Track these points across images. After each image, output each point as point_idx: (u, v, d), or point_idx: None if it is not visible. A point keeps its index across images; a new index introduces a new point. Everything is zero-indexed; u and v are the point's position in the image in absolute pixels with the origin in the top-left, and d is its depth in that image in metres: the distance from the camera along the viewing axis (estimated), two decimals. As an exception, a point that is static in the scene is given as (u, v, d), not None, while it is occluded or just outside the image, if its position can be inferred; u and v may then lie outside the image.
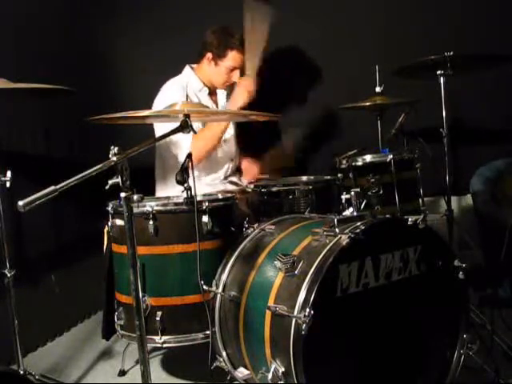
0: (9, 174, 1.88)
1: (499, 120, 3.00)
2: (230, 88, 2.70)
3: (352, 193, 1.70)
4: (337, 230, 1.54)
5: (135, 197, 1.36)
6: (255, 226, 1.88)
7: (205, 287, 1.78)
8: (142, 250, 1.79)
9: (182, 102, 1.61)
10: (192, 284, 1.82)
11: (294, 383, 1.40)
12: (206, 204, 1.86)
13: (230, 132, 2.77)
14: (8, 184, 1.87)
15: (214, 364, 1.78)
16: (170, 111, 1.62)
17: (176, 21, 3.19)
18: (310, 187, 2.11)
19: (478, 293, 2.40)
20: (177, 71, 2.73)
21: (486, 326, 2.09)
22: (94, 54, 3.04)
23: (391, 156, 2.27)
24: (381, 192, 2.25)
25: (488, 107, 3.01)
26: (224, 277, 1.75)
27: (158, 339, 1.84)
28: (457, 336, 1.71)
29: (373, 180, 2.26)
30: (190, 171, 1.74)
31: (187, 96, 2.58)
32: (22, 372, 1.90)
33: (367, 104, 2.57)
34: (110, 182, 1.33)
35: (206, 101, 2.65)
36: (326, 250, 1.49)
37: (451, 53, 2.00)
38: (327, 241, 1.53)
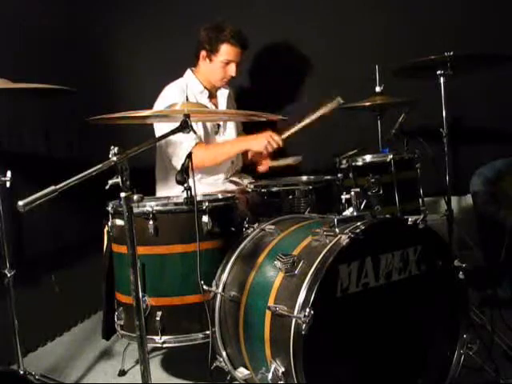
0: (9, 174, 1.87)
1: (499, 120, 3.00)
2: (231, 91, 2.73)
3: (352, 193, 1.70)
4: (337, 230, 1.54)
5: (135, 197, 1.35)
6: (255, 226, 1.88)
7: (205, 287, 1.78)
8: (141, 250, 1.79)
9: (182, 102, 1.61)
10: (192, 284, 1.82)
11: (293, 383, 1.40)
12: (206, 204, 1.86)
13: (231, 133, 2.76)
14: (8, 184, 1.87)
15: (214, 364, 1.78)
16: (170, 111, 1.62)
17: (179, 21, 3.20)
18: (310, 187, 2.11)
19: (478, 293, 2.40)
20: (179, 71, 2.73)
21: (486, 326, 2.09)
22: (94, 54, 3.04)
23: (391, 156, 2.27)
24: (381, 192, 2.25)
25: (488, 107, 3.01)
26: (224, 277, 1.75)
27: (158, 339, 1.84)
28: (457, 336, 1.71)
29: (373, 180, 2.26)
30: (190, 171, 1.74)
31: (187, 98, 2.58)
32: (21, 372, 1.89)
33: (367, 104, 2.57)
34: (110, 182, 1.33)
35: (206, 103, 2.65)
36: (325, 250, 1.49)
37: (451, 53, 2.00)
38: (327, 241, 1.53)
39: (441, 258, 1.68)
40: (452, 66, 2.10)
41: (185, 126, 1.52)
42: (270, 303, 1.52)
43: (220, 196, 2.08)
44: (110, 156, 1.32)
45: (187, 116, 1.53)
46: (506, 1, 3.01)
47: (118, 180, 1.33)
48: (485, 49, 2.06)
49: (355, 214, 1.67)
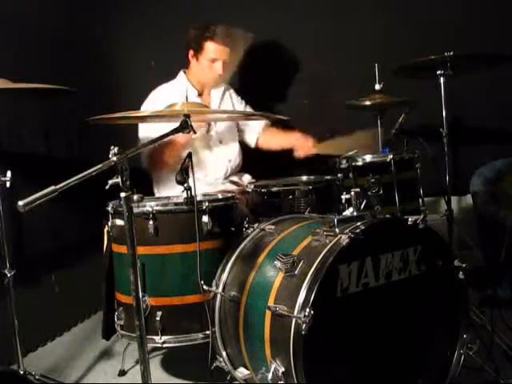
0: (9, 174, 1.87)
1: (499, 120, 3.00)
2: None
3: (352, 193, 1.70)
4: (337, 230, 1.54)
5: (135, 197, 1.36)
6: (255, 226, 1.87)
7: (205, 287, 1.78)
8: (141, 250, 1.79)
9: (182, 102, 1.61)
10: (192, 284, 1.82)
11: (293, 383, 1.40)
12: (206, 204, 1.86)
13: (225, 133, 2.73)
14: (8, 184, 1.87)
15: (214, 364, 1.78)
16: (170, 111, 1.62)
17: (179, 21, 3.19)
18: (310, 187, 2.11)
19: (478, 293, 2.40)
20: (179, 71, 2.73)
21: (486, 326, 2.09)
22: (93, 53, 3.04)
23: (391, 156, 2.27)
24: (381, 192, 2.25)
25: (488, 107, 3.01)
26: (224, 277, 1.75)
27: (158, 339, 1.84)
28: (457, 336, 1.71)
29: (373, 180, 2.26)
30: (190, 171, 1.74)
31: None
32: (21, 372, 1.89)
33: (367, 103, 2.57)
34: (110, 181, 1.33)
35: None
36: (325, 250, 1.49)
37: (451, 53, 2.00)
38: (327, 241, 1.53)
39: (441, 258, 1.68)
40: (452, 66, 2.10)
41: (185, 126, 1.52)
42: (270, 303, 1.52)
43: (220, 196, 2.08)
44: (110, 156, 1.32)
45: (187, 116, 1.53)
46: (506, 1, 3.01)
47: (118, 180, 1.33)
48: (485, 49, 2.06)
49: (355, 213, 1.67)
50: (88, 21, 2.99)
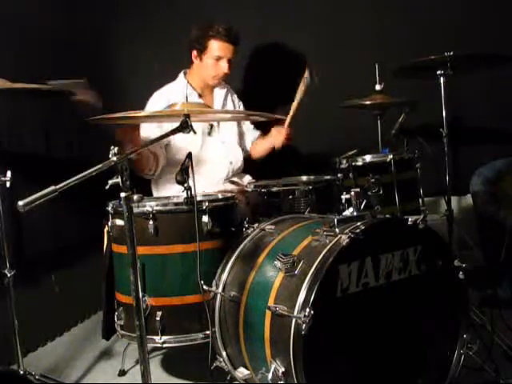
0: (9, 174, 1.87)
1: (499, 120, 3.00)
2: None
3: (352, 193, 1.70)
4: (337, 230, 1.54)
5: (135, 197, 1.36)
6: (255, 226, 1.87)
7: (205, 287, 1.78)
8: (141, 250, 1.79)
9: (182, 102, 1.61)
10: (192, 284, 1.82)
11: (293, 383, 1.40)
12: (206, 204, 1.86)
13: (225, 134, 2.73)
14: (8, 184, 1.87)
15: (214, 364, 1.78)
16: (171, 111, 1.62)
17: (179, 21, 3.19)
18: (310, 187, 2.11)
19: (478, 293, 2.40)
20: (179, 71, 2.72)
21: (486, 326, 2.09)
22: (93, 53, 3.04)
23: (391, 156, 2.27)
24: (381, 192, 2.25)
25: (488, 107, 3.01)
26: (224, 277, 1.75)
27: (158, 339, 1.84)
28: (457, 336, 1.71)
29: (373, 180, 2.26)
30: (190, 171, 1.74)
31: None
32: (21, 372, 1.89)
33: (367, 103, 2.57)
34: (110, 181, 1.33)
35: None
36: (325, 250, 1.49)
37: (451, 53, 2.00)
38: (327, 241, 1.53)
39: (441, 258, 1.68)
40: (452, 66, 2.10)
41: (185, 126, 1.52)
42: (270, 303, 1.52)
43: (220, 196, 2.08)
44: (110, 156, 1.32)
45: (187, 116, 1.53)
46: (506, 1, 3.01)
47: (118, 180, 1.33)
48: (485, 49, 2.06)
49: (355, 213, 1.67)
50: (88, 21, 2.99)
